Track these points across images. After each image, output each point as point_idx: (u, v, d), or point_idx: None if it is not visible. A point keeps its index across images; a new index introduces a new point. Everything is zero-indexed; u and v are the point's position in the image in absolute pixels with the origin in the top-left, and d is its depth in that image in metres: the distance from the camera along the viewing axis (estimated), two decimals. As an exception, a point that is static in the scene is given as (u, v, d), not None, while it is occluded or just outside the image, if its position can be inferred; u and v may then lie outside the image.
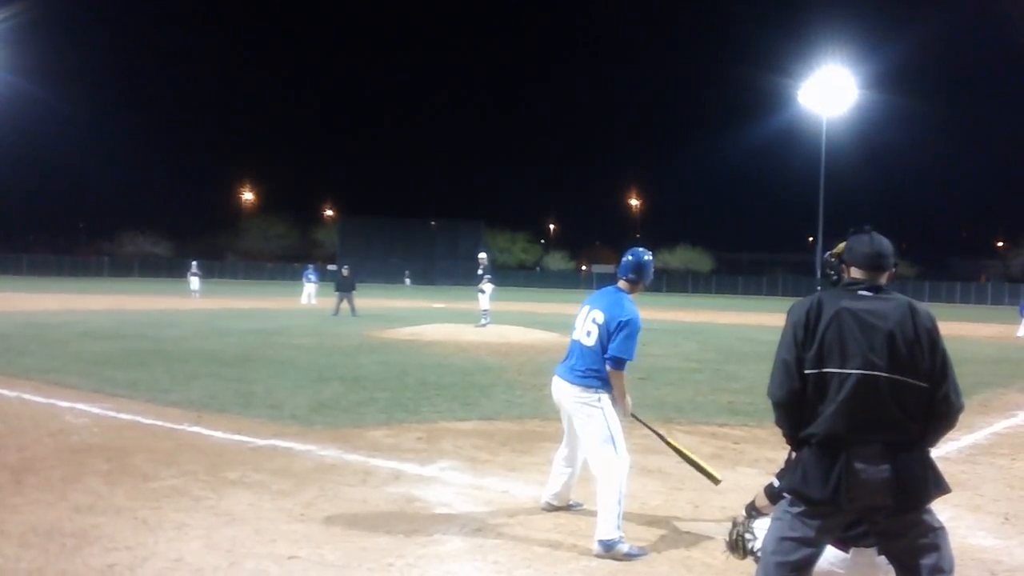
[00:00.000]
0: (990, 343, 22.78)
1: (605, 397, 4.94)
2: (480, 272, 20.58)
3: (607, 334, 4.87)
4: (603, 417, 4.89)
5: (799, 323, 3.14)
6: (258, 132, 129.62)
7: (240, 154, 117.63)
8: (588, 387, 4.92)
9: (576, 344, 5.06)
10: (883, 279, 3.22)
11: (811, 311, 3.13)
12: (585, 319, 5.05)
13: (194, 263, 41.47)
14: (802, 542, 3.09)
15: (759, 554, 3.33)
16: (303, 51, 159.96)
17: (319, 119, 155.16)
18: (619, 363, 4.87)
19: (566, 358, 5.14)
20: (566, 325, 22.26)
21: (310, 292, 34.51)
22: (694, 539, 4.94)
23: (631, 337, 4.87)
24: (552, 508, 5.44)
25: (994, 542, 5.08)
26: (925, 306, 3.13)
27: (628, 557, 4.56)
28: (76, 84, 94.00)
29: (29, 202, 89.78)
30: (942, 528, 3.10)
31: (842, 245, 3.34)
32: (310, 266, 39.02)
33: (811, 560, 3.13)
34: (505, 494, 5.84)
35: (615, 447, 4.84)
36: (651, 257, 5.20)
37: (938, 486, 3.07)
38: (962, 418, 3.19)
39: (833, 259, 3.38)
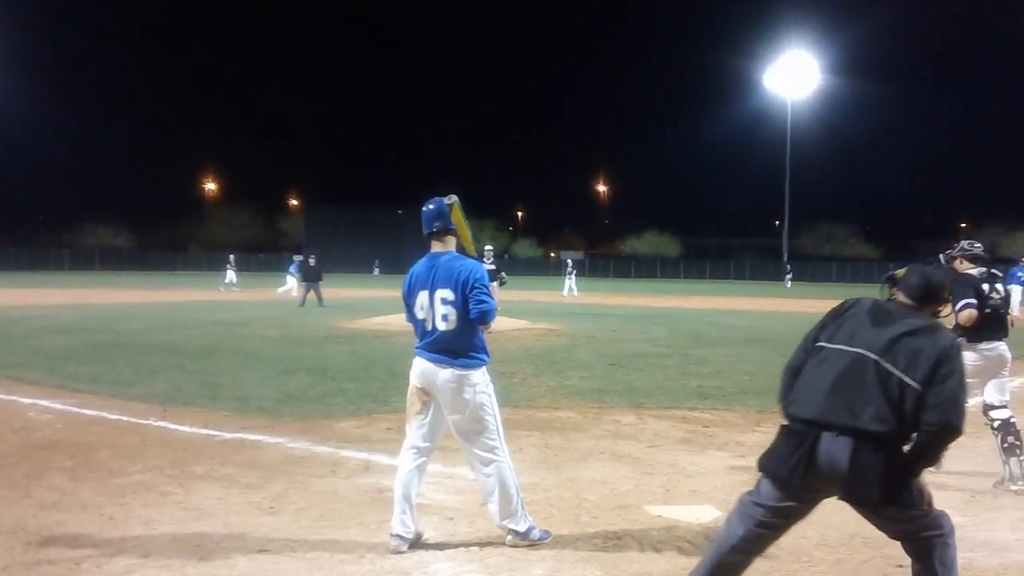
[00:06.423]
0: (953, 324, 23.16)
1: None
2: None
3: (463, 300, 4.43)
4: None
5: (833, 310, 3.42)
6: (220, 119, 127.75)
7: (202, 142, 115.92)
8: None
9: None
10: (928, 312, 3.39)
11: (848, 302, 3.43)
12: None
13: (232, 256, 41.69)
14: (768, 509, 3.24)
15: None
16: (265, 36, 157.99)
17: (282, 105, 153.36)
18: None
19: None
20: (535, 312, 22.23)
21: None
22: (665, 523, 4.98)
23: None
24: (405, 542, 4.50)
25: (960, 519, 5.15)
26: (955, 339, 3.25)
27: (541, 540, 4.54)
28: (31, 71, 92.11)
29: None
30: (929, 524, 3.19)
31: (903, 270, 3.52)
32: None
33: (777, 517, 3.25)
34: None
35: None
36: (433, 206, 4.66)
37: (895, 498, 3.09)
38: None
39: (888, 281, 3.55)
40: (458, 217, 4.75)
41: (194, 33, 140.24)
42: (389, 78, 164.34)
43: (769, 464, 3.23)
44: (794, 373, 3.34)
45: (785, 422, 3.28)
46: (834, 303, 3.46)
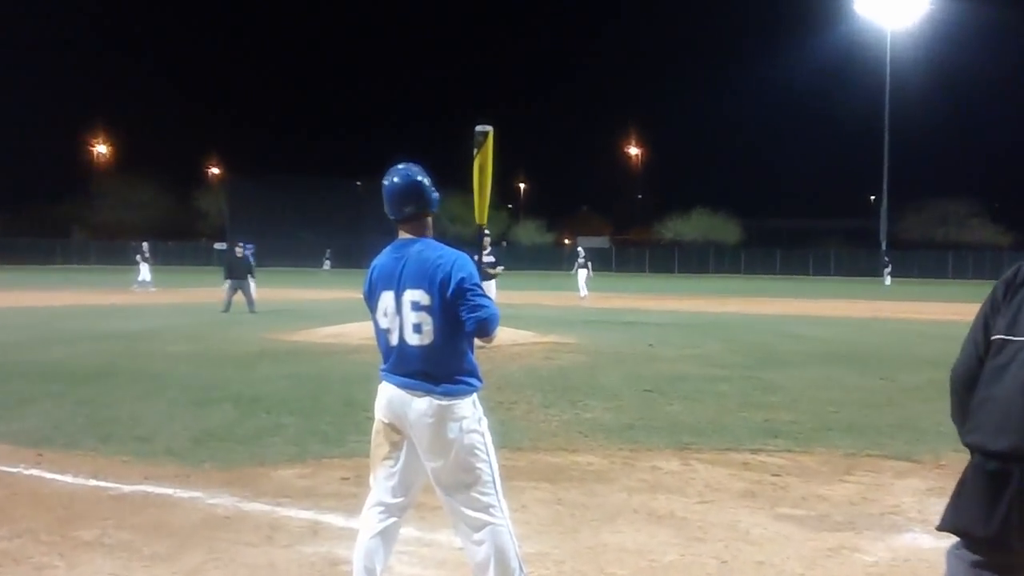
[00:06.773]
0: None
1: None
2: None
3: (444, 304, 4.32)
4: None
5: (1003, 280, 3.23)
6: (114, 63, 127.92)
7: (89, 92, 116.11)
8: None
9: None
10: None
11: (1023, 267, 3.22)
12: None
13: (145, 245, 41.48)
14: None
15: None
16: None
17: (199, 44, 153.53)
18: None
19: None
20: (543, 320, 22.27)
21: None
22: (721, 607, 4.99)
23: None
24: None
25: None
26: None
27: None
28: None
29: None
30: None
31: None
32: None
33: None
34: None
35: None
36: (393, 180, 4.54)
37: None
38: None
39: None
40: (485, 157, 4.54)
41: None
42: (345, 7, 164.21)
43: (962, 522, 3.07)
44: (968, 383, 3.17)
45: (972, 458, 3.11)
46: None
